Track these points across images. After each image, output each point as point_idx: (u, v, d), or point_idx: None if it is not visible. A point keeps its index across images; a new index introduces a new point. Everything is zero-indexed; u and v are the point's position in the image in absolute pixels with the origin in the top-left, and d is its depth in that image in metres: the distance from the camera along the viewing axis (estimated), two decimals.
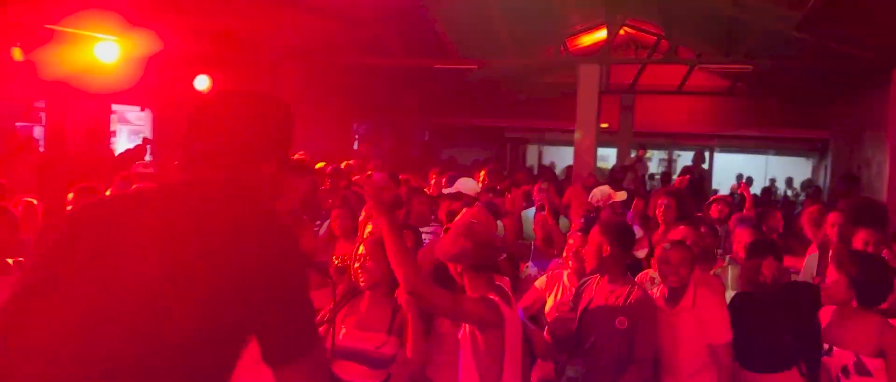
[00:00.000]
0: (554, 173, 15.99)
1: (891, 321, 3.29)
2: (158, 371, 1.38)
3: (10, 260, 3.47)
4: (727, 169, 18.06)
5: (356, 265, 3.23)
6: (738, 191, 7.33)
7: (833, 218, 4.83)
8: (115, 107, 11.66)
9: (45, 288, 1.44)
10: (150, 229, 1.48)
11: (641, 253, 4.96)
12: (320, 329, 2.86)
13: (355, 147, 15.09)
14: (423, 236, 4.83)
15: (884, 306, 3.39)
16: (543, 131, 19.32)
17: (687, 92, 14.76)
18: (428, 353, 3.35)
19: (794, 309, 3.77)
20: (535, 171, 15.05)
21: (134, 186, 5.00)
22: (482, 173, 7.55)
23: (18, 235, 3.82)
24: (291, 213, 3.94)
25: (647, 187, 14.23)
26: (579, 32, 14.62)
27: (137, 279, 1.41)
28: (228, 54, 10.19)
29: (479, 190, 6.06)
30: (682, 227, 4.34)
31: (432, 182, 7.86)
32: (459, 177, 6.75)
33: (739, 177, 16.65)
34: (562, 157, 18.80)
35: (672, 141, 18.74)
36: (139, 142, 11.67)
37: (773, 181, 17.53)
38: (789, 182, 17.53)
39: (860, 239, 4.31)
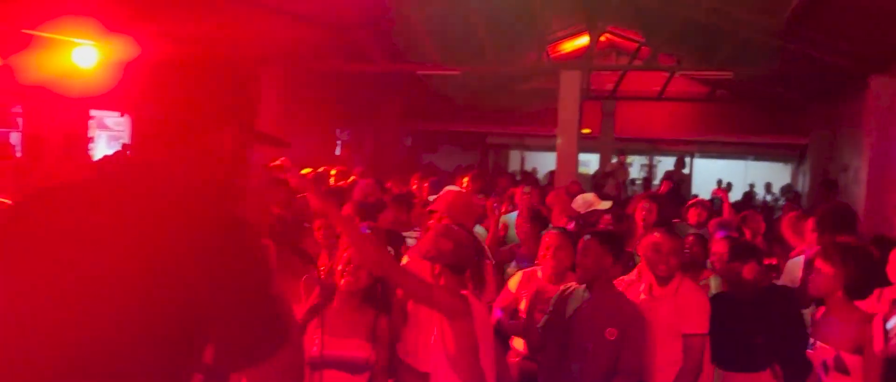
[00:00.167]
0: (536, 179, 16.05)
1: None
2: None
3: None
4: (707, 174, 18.21)
5: (339, 267, 3.22)
6: (717, 197, 7.41)
7: (812, 223, 4.88)
8: (93, 112, 11.53)
9: None
10: (78, 225, 1.32)
11: None
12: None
13: (338, 153, 15.04)
14: (408, 241, 4.84)
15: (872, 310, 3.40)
16: (525, 137, 19.36)
17: (667, 98, 14.88)
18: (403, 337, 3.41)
19: (768, 312, 3.81)
20: (518, 177, 15.08)
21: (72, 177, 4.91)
22: (465, 179, 7.55)
23: None
24: (280, 220, 3.92)
25: (629, 192, 14.30)
26: (561, 39, 14.69)
27: (59, 285, 1.27)
28: None
29: None
30: (656, 233, 4.31)
31: (414, 187, 7.85)
32: (440, 182, 6.75)
33: (719, 182, 16.80)
34: (544, 163, 18.84)
35: (653, 146, 18.85)
36: (118, 147, 11.55)
37: (752, 186, 17.69)
38: (768, 187, 17.70)
39: None
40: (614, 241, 3.69)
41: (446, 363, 2.99)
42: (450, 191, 4.47)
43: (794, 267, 4.80)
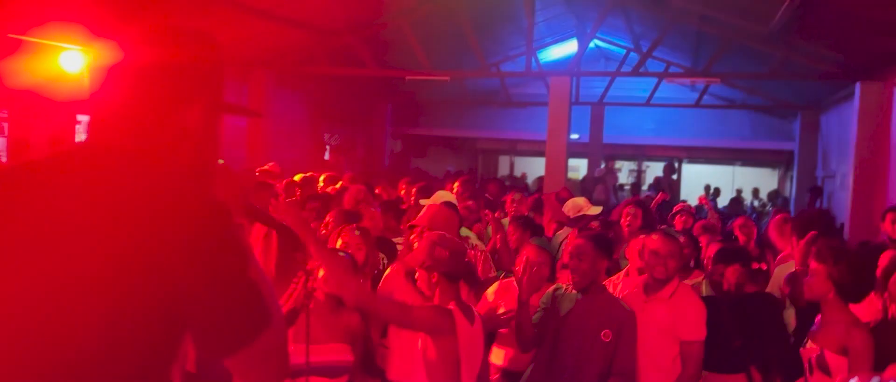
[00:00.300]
0: (526, 184, 16.08)
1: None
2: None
3: None
4: (695, 179, 18.31)
5: (319, 274, 3.20)
6: (700, 204, 7.48)
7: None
8: (80, 117, 11.45)
9: None
10: (44, 209, 1.23)
11: None
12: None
13: (326, 157, 15.01)
14: (399, 248, 4.83)
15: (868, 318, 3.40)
16: (515, 142, 19.40)
17: (656, 104, 14.95)
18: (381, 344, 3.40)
19: (748, 316, 3.82)
20: (507, 182, 15.09)
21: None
22: (456, 185, 7.53)
23: None
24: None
25: (618, 197, 14.35)
26: (550, 44, 14.74)
27: (29, 272, 1.18)
28: None
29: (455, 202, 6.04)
30: (654, 236, 4.31)
31: (403, 192, 7.82)
32: (427, 187, 6.74)
33: (707, 187, 16.88)
34: (533, 168, 18.87)
35: (641, 152, 18.93)
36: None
37: (739, 191, 17.78)
38: (756, 192, 17.79)
39: None
40: (608, 244, 3.73)
41: (425, 374, 3.01)
42: (431, 206, 4.59)
43: (782, 271, 4.83)
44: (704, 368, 3.81)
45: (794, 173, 15.08)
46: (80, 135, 12.81)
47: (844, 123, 11.08)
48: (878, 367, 2.98)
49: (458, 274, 3.16)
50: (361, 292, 2.82)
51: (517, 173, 20.11)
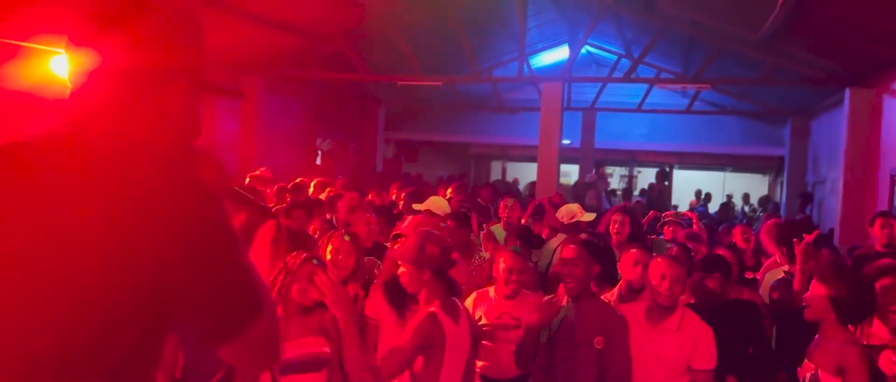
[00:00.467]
0: (517, 190, 16.09)
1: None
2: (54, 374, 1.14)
3: None
4: (686, 185, 18.39)
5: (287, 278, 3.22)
6: (686, 215, 7.51)
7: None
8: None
9: None
10: (30, 191, 1.18)
11: None
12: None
13: (318, 162, 14.97)
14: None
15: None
16: (507, 147, 19.42)
17: (647, 110, 15.01)
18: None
19: (726, 324, 3.81)
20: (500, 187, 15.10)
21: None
22: (449, 190, 7.53)
23: None
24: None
25: (610, 203, 14.38)
26: (542, 50, 14.78)
27: (17, 258, 1.14)
28: None
29: (448, 208, 6.03)
30: (634, 251, 4.26)
31: (394, 197, 7.81)
32: (418, 193, 6.74)
33: (698, 193, 16.95)
34: (525, 173, 18.90)
35: (632, 157, 18.99)
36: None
37: (730, 197, 17.86)
38: (746, 198, 17.88)
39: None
40: (599, 250, 3.73)
41: (407, 374, 3.08)
42: (415, 216, 4.71)
43: (772, 278, 4.87)
44: None
45: (785, 179, 15.16)
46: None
47: (834, 129, 11.15)
48: None
49: (446, 271, 3.20)
50: (369, 372, 2.83)
51: (509, 178, 20.12)
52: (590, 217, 6.13)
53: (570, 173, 17.82)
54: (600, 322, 3.49)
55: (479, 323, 3.97)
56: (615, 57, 14.30)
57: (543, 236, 6.45)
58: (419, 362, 3.05)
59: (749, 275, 5.19)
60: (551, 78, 12.78)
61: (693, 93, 14.24)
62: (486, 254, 5.17)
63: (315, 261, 3.30)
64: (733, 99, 14.89)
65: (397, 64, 11.16)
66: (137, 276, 1.15)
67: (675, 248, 4.81)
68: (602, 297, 4.09)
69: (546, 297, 3.84)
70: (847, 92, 9.59)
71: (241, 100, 11.42)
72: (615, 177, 20.26)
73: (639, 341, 3.48)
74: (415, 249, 3.14)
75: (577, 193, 14.17)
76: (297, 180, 7.96)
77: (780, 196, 15.78)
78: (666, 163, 17.81)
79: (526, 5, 9.79)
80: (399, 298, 3.66)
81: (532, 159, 12.30)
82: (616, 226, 5.60)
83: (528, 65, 13.05)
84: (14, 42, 7.52)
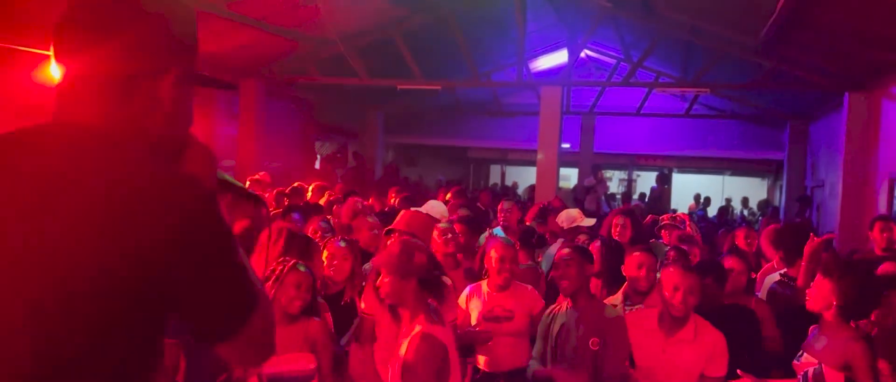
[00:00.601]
0: (516, 193, 16.09)
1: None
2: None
3: None
4: (685, 189, 18.40)
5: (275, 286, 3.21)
6: (680, 218, 7.51)
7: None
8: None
9: None
10: (18, 186, 1.14)
11: None
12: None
13: (317, 166, 14.97)
14: None
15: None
16: (506, 151, 19.45)
17: (646, 114, 15.02)
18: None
19: (719, 328, 3.80)
20: (499, 191, 15.11)
21: None
22: (448, 194, 7.52)
23: None
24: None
25: (609, 207, 14.38)
26: (541, 55, 14.79)
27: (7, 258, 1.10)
28: None
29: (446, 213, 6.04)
30: (638, 253, 4.26)
31: (393, 201, 7.81)
32: (412, 198, 6.75)
33: (697, 197, 16.96)
34: (525, 177, 18.91)
35: (631, 161, 19.01)
36: None
37: (729, 201, 17.87)
38: (745, 202, 17.89)
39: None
40: (612, 250, 3.87)
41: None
42: (407, 211, 4.69)
43: (770, 280, 4.87)
44: None
45: (784, 182, 15.16)
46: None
47: (833, 133, 11.16)
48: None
49: (432, 278, 3.03)
50: None
51: (508, 182, 20.13)
52: (590, 222, 6.13)
53: (570, 177, 17.84)
54: (596, 323, 3.51)
55: (473, 325, 3.98)
56: (614, 61, 14.33)
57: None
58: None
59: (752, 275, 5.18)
60: (551, 82, 12.79)
61: (692, 97, 14.25)
62: None
63: (302, 269, 3.29)
64: (732, 103, 14.90)
65: (397, 68, 11.16)
66: (129, 274, 1.11)
67: (672, 252, 4.80)
68: (608, 300, 4.11)
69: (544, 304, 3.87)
70: (846, 96, 9.60)
71: (240, 104, 11.42)
72: (614, 181, 20.27)
73: (653, 351, 3.45)
74: (401, 258, 2.94)
75: (576, 197, 14.18)
76: (296, 184, 7.94)
77: (780, 200, 15.78)
78: (664, 167, 17.84)
79: (525, 9, 9.80)
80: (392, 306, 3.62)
81: (531, 163, 12.31)
82: (618, 229, 5.54)
83: (528, 70, 13.07)
84: (13, 45, 7.51)
